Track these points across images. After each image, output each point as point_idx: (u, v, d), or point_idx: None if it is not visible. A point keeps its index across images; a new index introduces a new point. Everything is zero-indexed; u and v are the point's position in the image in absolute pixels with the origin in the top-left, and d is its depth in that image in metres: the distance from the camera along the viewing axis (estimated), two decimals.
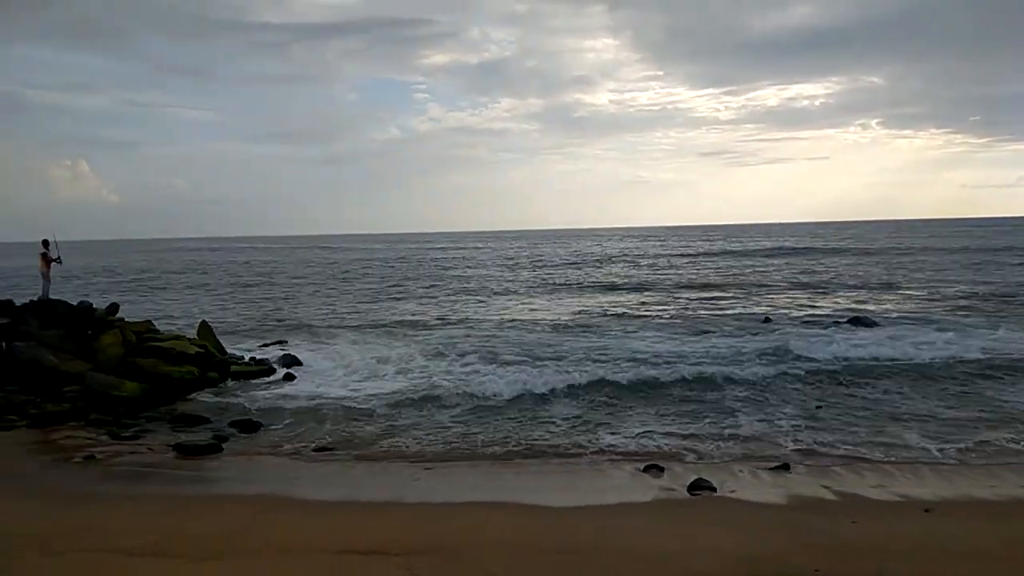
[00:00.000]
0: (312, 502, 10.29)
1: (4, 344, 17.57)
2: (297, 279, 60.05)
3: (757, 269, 56.50)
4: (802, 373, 17.94)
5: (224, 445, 13.34)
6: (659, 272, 56.50)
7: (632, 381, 17.18)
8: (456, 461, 12.39)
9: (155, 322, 22.61)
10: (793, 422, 14.09)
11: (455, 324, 29.25)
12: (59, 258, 21.20)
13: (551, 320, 29.65)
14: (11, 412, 15.58)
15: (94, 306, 20.58)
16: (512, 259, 79.19)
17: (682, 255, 78.80)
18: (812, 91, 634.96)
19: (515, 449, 12.98)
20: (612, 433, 13.70)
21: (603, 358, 20.14)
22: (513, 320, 29.96)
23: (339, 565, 8.03)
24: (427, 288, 47.93)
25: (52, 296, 20.72)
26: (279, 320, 33.60)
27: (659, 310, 32.31)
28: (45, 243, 21.10)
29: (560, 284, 47.77)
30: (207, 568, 7.95)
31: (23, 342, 17.62)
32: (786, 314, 29.55)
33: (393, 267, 73.25)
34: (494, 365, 19.55)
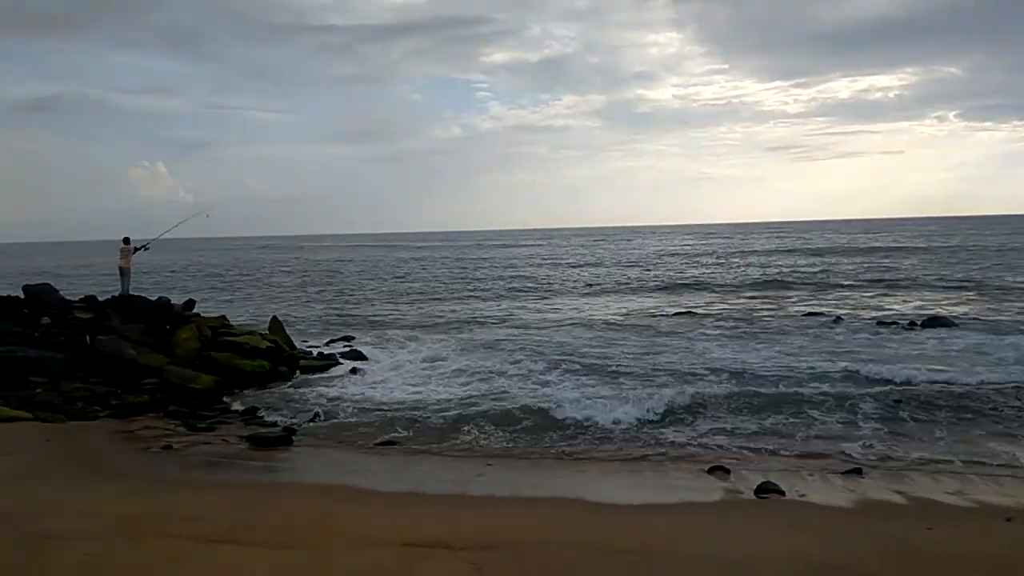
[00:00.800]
0: (377, 494, 10.51)
1: (88, 338, 18.48)
2: (363, 276, 61.30)
3: (828, 267, 54.50)
4: (875, 377, 17.24)
5: (293, 437, 13.75)
6: (725, 270, 54.79)
7: (698, 387, 16.62)
8: (519, 458, 12.47)
9: (228, 317, 23.43)
10: (867, 427, 13.57)
11: (518, 325, 28.91)
12: (145, 246, 22.36)
13: (613, 321, 28.99)
14: (95, 403, 16.42)
15: (172, 302, 21.48)
16: (573, 257, 78.40)
17: (749, 253, 76.57)
18: (886, 83, 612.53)
19: (577, 448, 12.97)
20: (676, 432, 13.55)
21: (668, 364, 19.73)
22: (575, 321, 29.33)
23: (405, 557, 8.19)
24: (490, 287, 48.24)
25: (132, 292, 21.72)
26: (345, 316, 34.40)
27: (725, 310, 31.29)
28: (126, 240, 22.10)
29: (622, 283, 46.88)
30: (282, 556, 8.22)
31: (106, 336, 18.51)
32: (859, 315, 28.58)
33: (456, 265, 73.91)
34: (556, 372, 19.05)
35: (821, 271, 50.87)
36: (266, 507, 9.94)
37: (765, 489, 10.36)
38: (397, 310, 36.16)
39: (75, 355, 17.79)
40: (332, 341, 25.01)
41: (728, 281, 45.28)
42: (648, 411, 14.63)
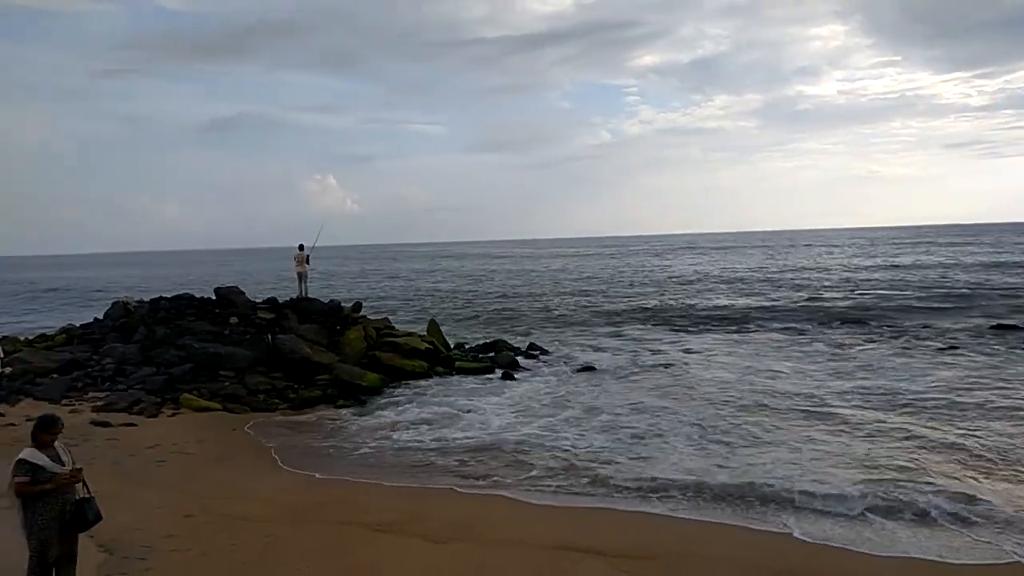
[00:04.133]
0: (529, 501, 10.64)
1: (270, 336, 20.18)
2: (515, 282, 62.56)
3: None
4: None
5: (451, 438, 14.26)
6: (918, 288, 42.66)
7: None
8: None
9: (390, 319, 24.74)
10: None
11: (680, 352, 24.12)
12: (308, 257, 24.03)
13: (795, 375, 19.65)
14: (275, 396, 17.93)
15: (341, 304, 23.01)
16: (730, 271, 67.66)
17: (935, 263, 64.54)
18: None
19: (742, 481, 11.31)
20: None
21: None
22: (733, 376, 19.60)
23: (556, 559, 8.30)
24: (645, 297, 47.58)
25: (307, 295, 23.49)
26: (498, 320, 35.31)
27: (932, 347, 23.54)
28: (301, 247, 23.93)
29: (799, 308, 34.73)
30: (441, 550, 8.60)
31: (285, 335, 20.13)
32: None
33: (610, 274, 73.56)
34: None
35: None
36: (426, 503, 10.41)
37: None
38: (546, 315, 36.60)
39: (259, 352, 19.49)
40: (486, 344, 25.44)
41: (927, 302, 34.94)
42: None
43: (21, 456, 6.48)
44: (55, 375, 18.74)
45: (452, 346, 24.16)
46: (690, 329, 29.97)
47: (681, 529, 9.34)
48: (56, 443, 6.65)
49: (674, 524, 9.56)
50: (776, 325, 29.87)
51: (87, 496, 6.67)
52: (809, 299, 38.72)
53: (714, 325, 30.80)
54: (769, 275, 57.44)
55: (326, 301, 23.11)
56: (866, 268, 59.77)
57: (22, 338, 25.86)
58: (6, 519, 6.56)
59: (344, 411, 16.95)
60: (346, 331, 21.38)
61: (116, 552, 8.12)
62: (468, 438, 14.21)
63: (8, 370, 17.96)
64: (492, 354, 23.29)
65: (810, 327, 29.01)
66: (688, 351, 24.31)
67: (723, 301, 39.59)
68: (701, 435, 13.80)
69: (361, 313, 23.02)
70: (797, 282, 49.40)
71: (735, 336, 27.79)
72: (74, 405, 16.40)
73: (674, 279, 57.64)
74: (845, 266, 63.96)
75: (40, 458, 6.45)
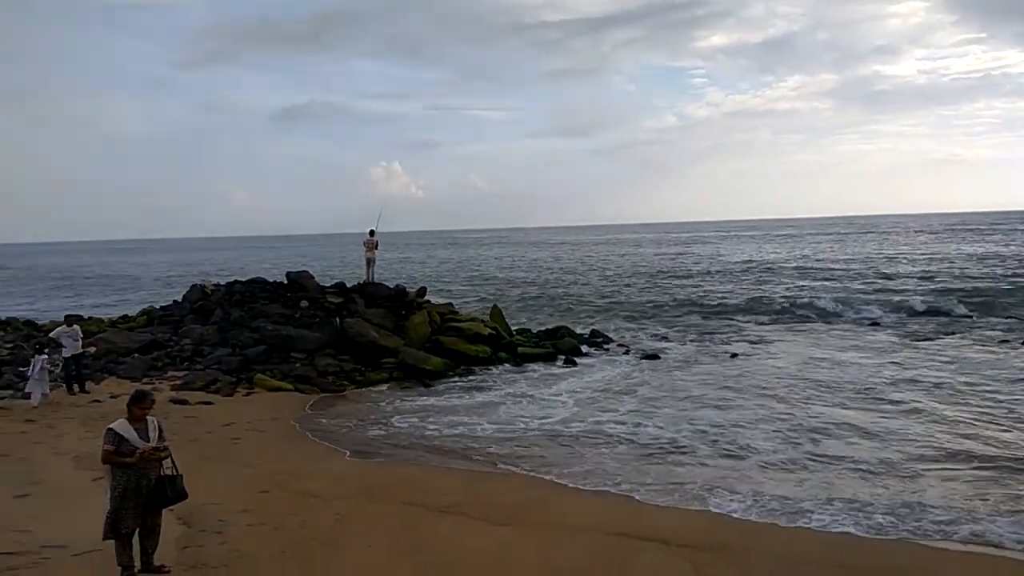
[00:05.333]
0: (590, 488, 10.63)
1: (338, 320, 20.67)
2: (578, 268, 62.33)
3: None
4: None
5: (513, 423, 14.37)
6: (1005, 278, 39.79)
7: None
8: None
9: (452, 304, 25.01)
10: None
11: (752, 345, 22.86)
12: (377, 243, 24.50)
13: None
14: (343, 378, 18.42)
15: (406, 289, 23.39)
16: (802, 258, 64.91)
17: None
18: None
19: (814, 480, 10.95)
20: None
21: None
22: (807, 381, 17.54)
23: (617, 545, 8.30)
24: (711, 285, 46.80)
25: (374, 280, 23.96)
26: (561, 307, 35.29)
27: None
28: (372, 232, 24.39)
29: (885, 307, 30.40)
30: (501, 532, 8.70)
31: (352, 319, 20.60)
32: None
33: (675, 261, 72.61)
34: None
35: None
36: (487, 486, 10.53)
37: None
38: (613, 301, 36.38)
39: (328, 335, 20.01)
40: (549, 330, 25.33)
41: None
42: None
43: (111, 426, 6.88)
44: (137, 355, 19.67)
45: (515, 332, 24.27)
46: (760, 319, 29.29)
47: (748, 525, 9.17)
48: (149, 419, 7.01)
49: (742, 519, 9.40)
50: (851, 315, 28.92)
51: (171, 474, 7.00)
52: (886, 289, 37.32)
53: (785, 315, 30.01)
54: (844, 263, 55.54)
55: (391, 286, 23.53)
56: (949, 257, 57.09)
57: (105, 319, 27.23)
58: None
59: (409, 394, 17.27)
60: (411, 316, 21.73)
61: (194, 525, 8.50)
62: (530, 423, 14.28)
63: (92, 349, 18.92)
64: (555, 340, 23.30)
65: (887, 318, 27.99)
66: (757, 341, 23.80)
67: (794, 290, 38.54)
68: (773, 429, 13.50)
69: (425, 298, 23.35)
70: (874, 271, 47.61)
71: (807, 326, 27.07)
72: (154, 384, 17.19)
73: (742, 266, 56.36)
74: (926, 254, 61.27)
75: (128, 430, 6.82)
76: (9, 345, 20.67)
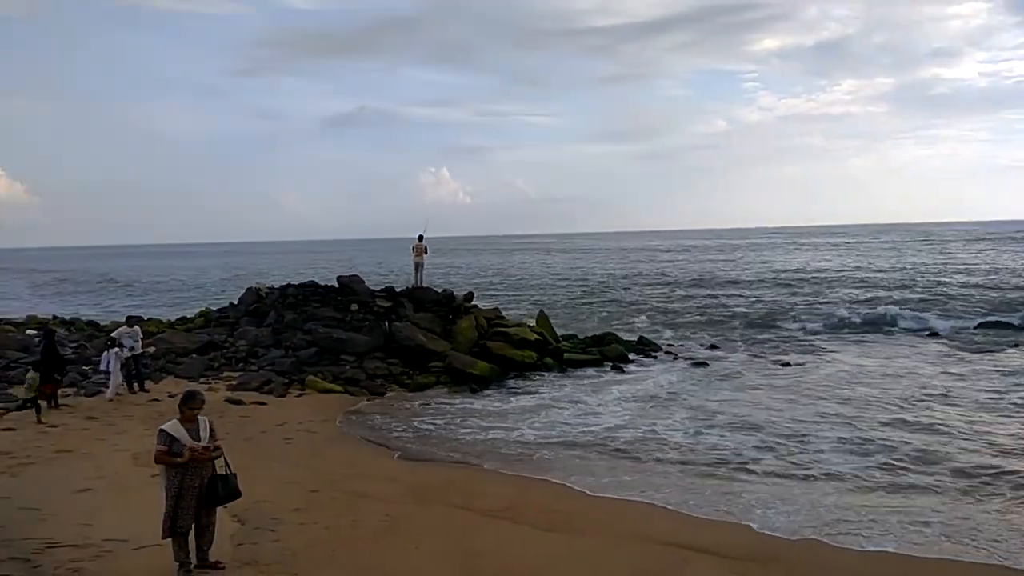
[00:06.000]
0: (638, 499, 10.50)
1: (387, 324, 20.91)
2: (625, 274, 61.87)
3: None
4: None
5: (559, 430, 14.32)
6: None
7: None
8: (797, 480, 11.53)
9: (499, 309, 25.06)
10: None
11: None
12: (426, 247, 24.64)
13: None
14: (392, 380, 18.65)
15: (454, 293, 23.53)
16: (858, 267, 61.97)
17: None
18: None
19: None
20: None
21: None
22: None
23: (667, 555, 8.19)
24: (761, 291, 45.92)
25: (423, 284, 24.17)
26: (608, 313, 35.09)
27: None
28: (420, 238, 24.62)
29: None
30: (549, 539, 8.68)
31: (401, 322, 20.82)
32: None
33: (723, 268, 71.51)
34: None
35: None
36: (536, 494, 10.51)
37: None
38: (659, 310, 36.02)
39: (377, 338, 20.27)
40: (597, 336, 25.18)
41: None
42: None
43: (163, 427, 7.07)
44: (194, 355, 20.21)
45: (561, 337, 24.20)
46: (812, 328, 28.62)
47: (800, 540, 8.93)
48: (201, 419, 7.17)
49: (794, 534, 9.17)
50: (908, 325, 28.02)
51: (224, 473, 7.16)
52: (946, 296, 36.15)
53: (839, 324, 29.19)
54: (901, 271, 53.92)
55: (439, 290, 23.71)
56: (1009, 267, 54.92)
57: (164, 320, 28.08)
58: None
59: (456, 398, 17.38)
60: (458, 320, 21.86)
61: (248, 523, 8.69)
62: (578, 430, 14.22)
63: (151, 350, 19.51)
64: (602, 347, 23.16)
65: (946, 329, 27.04)
66: (810, 351, 23.29)
67: (849, 299, 37.57)
68: (828, 441, 13.18)
69: (473, 303, 23.46)
70: (932, 280, 46.08)
71: (862, 336, 26.39)
72: (211, 383, 17.64)
73: (794, 274, 55.18)
74: (987, 263, 59.09)
75: (179, 431, 6.99)
76: (73, 344, 21.44)
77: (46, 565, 7.27)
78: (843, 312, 31.31)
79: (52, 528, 8.30)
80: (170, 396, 16.13)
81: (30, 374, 14.39)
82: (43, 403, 14.27)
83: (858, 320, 29.42)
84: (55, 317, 31.11)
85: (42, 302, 50.29)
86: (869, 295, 38.96)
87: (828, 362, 21.07)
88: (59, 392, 15.10)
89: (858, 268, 60.06)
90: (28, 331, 23.92)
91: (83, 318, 30.99)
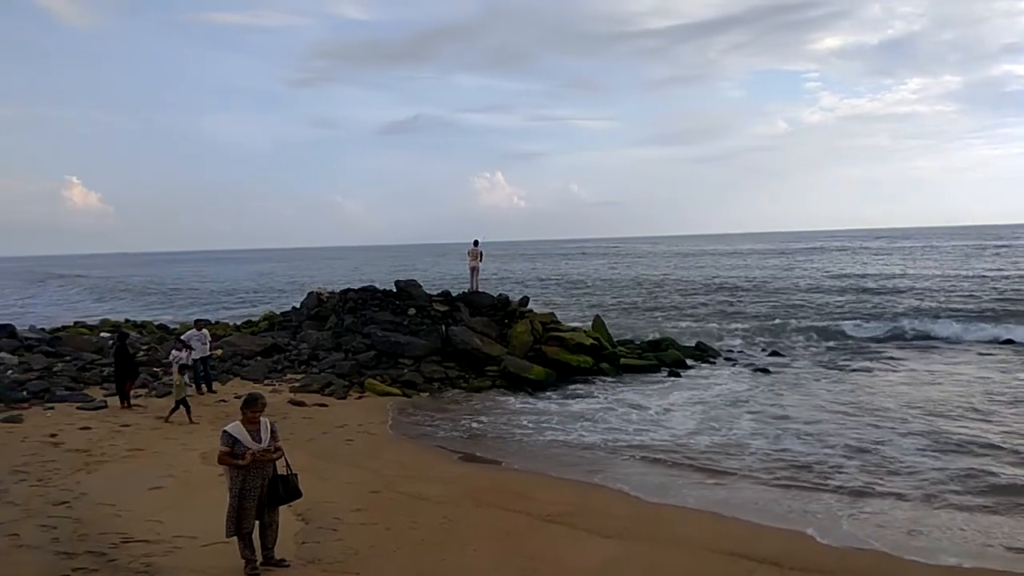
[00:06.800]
0: (699, 508, 10.32)
1: (444, 327, 21.11)
2: (684, 277, 61.01)
3: None
4: None
5: (616, 435, 14.19)
6: None
7: None
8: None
9: (555, 313, 24.99)
10: None
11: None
12: (482, 253, 24.83)
13: None
14: (448, 384, 18.83)
15: (509, 298, 23.62)
16: (926, 270, 59.92)
17: None
18: None
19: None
20: None
21: None
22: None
23: (728, 564, 8.04)
24: (823, 296, 44.69)
25: (479, 289, 24.33)
26: (666, 318, 34.65)
27: None
28: (476, 243, 24.82)
29: None
30: (607, 545, 8.60)
31: (457, 326, 20.99)
32: None
33: (784, 272, 69.93)
34: None
35: None
36: (594, 499, 10.43)
37: None
38: (720, 314, 35.41)
39: (434, 342, 20.48)
40: (651, 342, 24.95)
41: None
42: None
43: (226, 428, 7.27)
44: (259, 357, 20.79)
45: (617, 342, 24.02)
46: (878, 335, 27.57)
47: (868, 552, 8.65)
48: (263, 420, 7.36)
49: (863, 546, 8.89)
50: (979, 334, 26.61)
51: (285, 474, 7.33)
52: (1018, 302, 34.48)
53: (906, 332, 28.03)
54: (971, 277, 51.71)
55: (495, 295, 23.82)
56: None
57: (231, 323, 28.96)
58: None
59: (512, 402, 17.41)
60: (514, 324, 21.91)
61: (311, 522, 8.88)
62: (633, 436, 14.08)
63: (219, 352, 20.14)
64: (658, 352, 22.90)
65: (1020, 337, 25.74)
66: (875, 359, 22.51)
67: (915, 305, 36.18)
68: (897, 451, 12.73)
69: (528, 307, 23.49)
70: (1004, 285, 44.04)
71: (930, 343, 25.43)
72: (274, 385, 18.10)
73: (858, 279, 53.52)
74: None
75: (241, 432, 7.19)
76: (144, 347, 22.29)
77: (121, 559, 7.56)
78: (909, 318, 30.16)
79: (126, 524, 8.63)
80: (236, 397, 16.61)
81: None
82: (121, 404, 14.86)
83: (924, 327, 28.27)
84: (127, 320, 32.44)
85: (118, 305, 52.47)
86: (936, 303, 37.44)
87: (895, 371, 20.34)
88: (131, 392, 15.70)
89: (924, 273, 57.88)
90: (102, 334, 24.96)
91: (154, 322, 32.20)
